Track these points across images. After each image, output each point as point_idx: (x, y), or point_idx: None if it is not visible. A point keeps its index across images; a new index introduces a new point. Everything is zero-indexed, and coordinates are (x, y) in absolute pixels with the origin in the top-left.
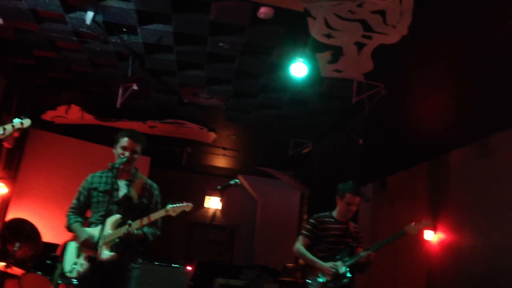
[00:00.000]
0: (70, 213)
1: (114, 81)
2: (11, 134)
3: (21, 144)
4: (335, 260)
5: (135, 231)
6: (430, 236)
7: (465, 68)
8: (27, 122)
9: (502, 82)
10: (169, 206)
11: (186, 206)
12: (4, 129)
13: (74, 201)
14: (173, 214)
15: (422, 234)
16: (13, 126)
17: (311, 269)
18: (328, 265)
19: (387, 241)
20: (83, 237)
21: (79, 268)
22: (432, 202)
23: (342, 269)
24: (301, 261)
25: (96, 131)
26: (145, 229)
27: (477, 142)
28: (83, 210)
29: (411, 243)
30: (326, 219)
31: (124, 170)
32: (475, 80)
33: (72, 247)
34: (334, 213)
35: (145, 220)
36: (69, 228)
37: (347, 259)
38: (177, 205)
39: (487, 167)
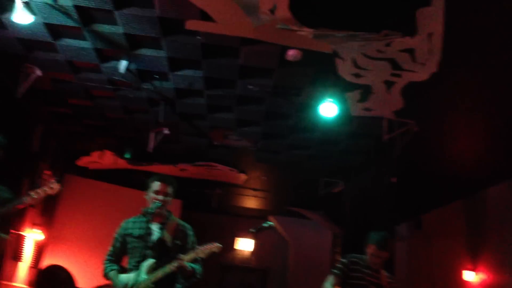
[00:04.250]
0: (107, 261)
1: (146, 126)
2: (42, 198)
3: None
4: None
5: (188, 265)
6: (471, 277)
7: (500, 103)
8: (57, 187)
9: None
10: (199, 248)
11: (214, 246)
12: (38, 193)
13: (111, 248)
14: (202, 255)
15: (461, 274)
16: (44, 190)
17: None
18: None
19: None
20: (118, 286)
21: None
22: (470, 241)
23: None
24: None
25: (129, 175)
26: (192, 265)
27: None
28: (119, 257)
29: (450, 284)
30: (359, 261)
31: (157, 214)
32: (509, 116)
33: None
34: (366, 258)
35: (175, 263)
36: (106, 277)
37: None
38: (206, 245)
39: None
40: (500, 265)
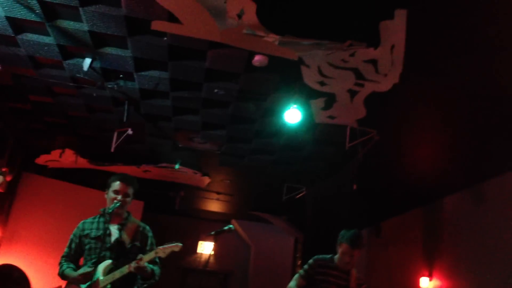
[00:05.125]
0: (63, 261)
1: (109, 126)
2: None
3: (13, 188)
4: None
5: (147, 266)
6: (426, 283)
7: (457, 115)
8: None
9: (493, 129)
10: (158, 247)
11: (175, 246)
12: None
13: (66, 249)
14: (162, 255)
15: (417, 281)
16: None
17: None
18: None
19: None
20: (79, 272)
21: None
22: (426, 248)
23: None
24: None
25: (89, 175)
26: (151, 266)
27: (470, 189)
28: (75, 258)
29: None
30: (327, 263)
31: (116, 214)
32: (467, 127)
33: None
34: (336, 259)
35: (133, 263)
36: (62, 276)
37: None
38: (166, 245)
39: (480, 213)
40: (454, 271)
